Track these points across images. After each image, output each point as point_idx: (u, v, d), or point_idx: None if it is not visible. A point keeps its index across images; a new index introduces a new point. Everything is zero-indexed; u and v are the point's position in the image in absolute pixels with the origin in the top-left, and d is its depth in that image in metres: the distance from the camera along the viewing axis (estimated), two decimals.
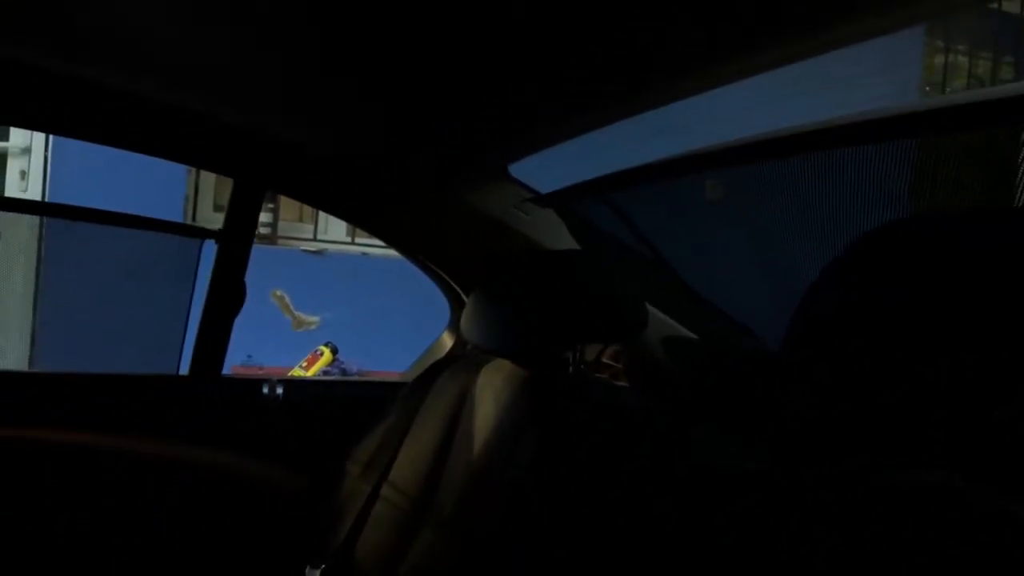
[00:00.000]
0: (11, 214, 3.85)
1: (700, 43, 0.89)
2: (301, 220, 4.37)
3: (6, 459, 1.45)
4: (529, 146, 1.47)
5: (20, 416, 1.47)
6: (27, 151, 3.89)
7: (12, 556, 1.45)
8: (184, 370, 1.62)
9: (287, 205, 4.15)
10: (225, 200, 4.46)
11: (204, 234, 1.59)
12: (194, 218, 4.10)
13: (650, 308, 1.20)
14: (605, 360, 1.52)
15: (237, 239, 1.56)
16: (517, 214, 1.57)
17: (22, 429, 1.47)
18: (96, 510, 1.50)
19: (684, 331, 1.57)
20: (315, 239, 4.38)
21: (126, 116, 1.37)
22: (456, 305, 1.78)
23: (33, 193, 3.88)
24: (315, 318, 4.01)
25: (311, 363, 3.26)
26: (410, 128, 1.36)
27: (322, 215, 4.36)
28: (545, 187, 1.62)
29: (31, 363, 3.83)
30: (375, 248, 4.39)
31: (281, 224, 4.22)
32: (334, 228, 4.41)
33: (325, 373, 3.22)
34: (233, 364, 1.65)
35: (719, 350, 1.43)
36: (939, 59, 4.46)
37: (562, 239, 1.58)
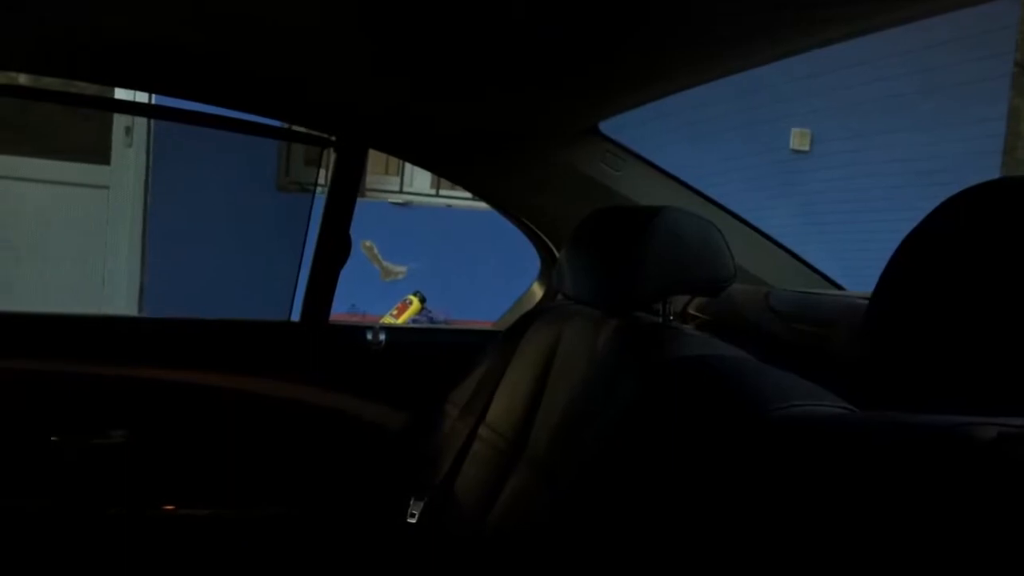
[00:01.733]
0: (119, 169, 4.07)
1: (775, 10, 0.93)
2: (387, 173, 4.49)
3: (131, 396, 1.61)
4: (619, 104, 1.51)
5: (137, 358, 1.62)
6: None
7: (139, 483, 1.61)
8: (295, 317, 1.75)
9: (374, 158, 4.25)
10: (315, 155, 4.60)
11: (321, 142, 1.65)
12: (288, 170, 4.26)
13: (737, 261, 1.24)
14: (691, 311, 1.58)
15: (342, 194, 1.66)
16: (608, 170, 1.62)
17: (143, 368, 1.62)
18: (215, 444, 1.65)
19: (770, 283, 1.61)
20: (401, 191, 4.49)
21: (233, 78, 1.46)
22: (546, 258, 1.85)
23: (138, 146, 4.07)
24: (402, 268, 4.14)
25: (401, 311, 3.39)
26: (504, 87, 1.42)
27: (408, 168, 4.46)
28: (635, 144, 1.67)
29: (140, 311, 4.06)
30: (459, 200, 4.49)
31: (368, 177, 4.34)
32: (419, 180, 4.51)
33: (414, 321, 3.36)
34: (338, 312, 1.76)
35: (809, 299, 1.46)
36: None
37: (650, 194, 1.63)
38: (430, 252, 4.14)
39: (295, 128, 1.69)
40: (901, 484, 0.59)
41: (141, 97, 3.99)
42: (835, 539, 0.60)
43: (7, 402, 1.53)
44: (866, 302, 0.68)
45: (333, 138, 1.67)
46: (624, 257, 1.18)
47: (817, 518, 0.63)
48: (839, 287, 1.69)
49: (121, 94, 4.05)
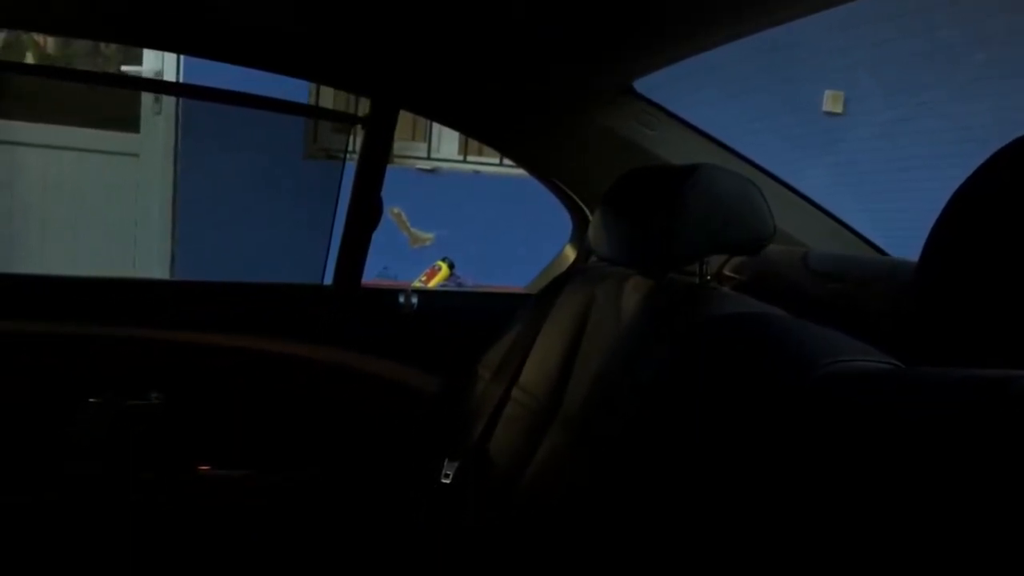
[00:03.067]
0: (148, 137, 4.10)
1: None
2: (414, 139, 4.47)
3: (166, 359, 1.62)
4: (654, 62, 1.49)
5: (172, 322, 1.63)
6: (159, 75, 4.06)
7: (174, 444, 1.63)
8: (328, 281, 1.75)
9: (401, 124, 4.25)
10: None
11: (348, 119, 1.65)
12: (315, 137, 4.26)
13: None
14: (727, 272, 1.56)
15: (374, 157, 1.65)
16: (642, 130, 1.60)
17: (179, 332, 1.63)
18: (249, 406, 1.67)
19: (808, 244, 1.58)
20: (428, 157, 4.48)
21: (265, 37, 1.45)
22: (579, 220, 1.83)
23: (167, 115, 4.09)
24: (430, 235, 4.14)
25: (430, 277, 3.40)
26: (537, 46, 1.40)
27: (435, 134, 4.44)
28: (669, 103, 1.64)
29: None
30: (487, 166, 4.47)
31: (396, 144, 4.33)
32: (447, 146, 4.49)
33: (443, 287, 3.36)
34: (370, 276, 1.76)
35: (848, 260, 1.44)
36: None
37: (686, 153, 1.61)
38: (458, 218, 4.13)
39: (321, 106, 1.69)
40: (955, 436, 0.58)
41: (169, 73, 4.02)
42: (890, 493, 0.59)
43: (46, 365, 1.55)
44: (906, 263, 0.67)
45: (359, 115, 1.66)
46: (661, 216, 1.16)
47: (870, 472, 0.62)
48: (880, 251, 1.66)
49: (148, 58, 4.08)
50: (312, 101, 4.18)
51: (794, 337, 0.86)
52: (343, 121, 1.70)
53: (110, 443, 1.58)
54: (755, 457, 0.76)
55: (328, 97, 4.19)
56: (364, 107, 1.65)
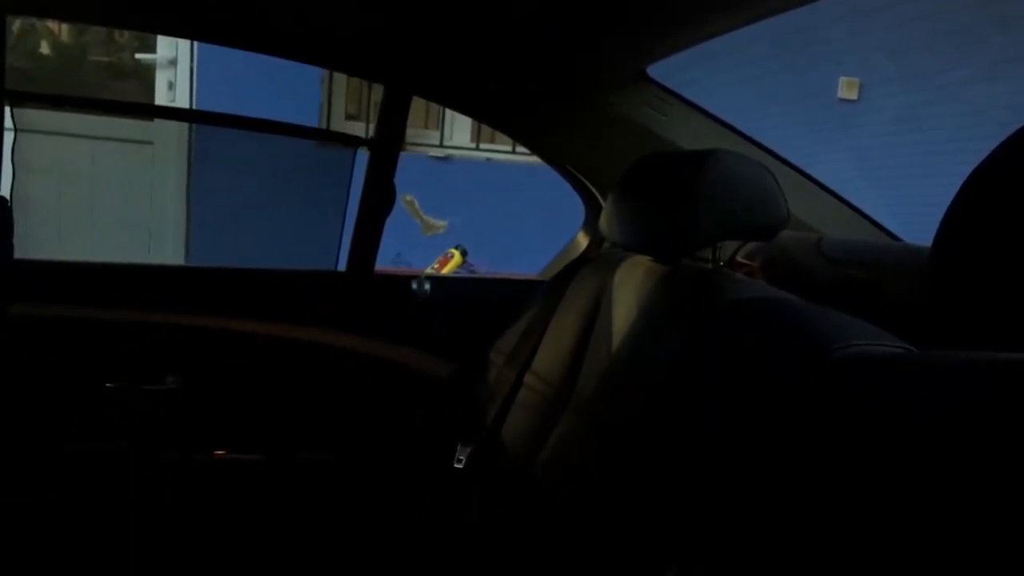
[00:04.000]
0: (163, 123, 4.11)
1: None
2: (427, 127, 4.47)
3: (183, 344, 1.64)
4: (667, 48, 1.48)
5: (188, 307, 1.65)
6: (173, 63, 4.08)
7: (190, 428, 1.65)
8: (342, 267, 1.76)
9: (413, 112, 4.26)
10: (355, 109, 4.58)
11: (358, 141, 1.69)
12: (328, 124, 4.26)
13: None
14: (740, 259, 1.55)
15: (387, 144, 1.65)
16: (655, 115, 1.59)
17: (195, 317, 1.64)
18: (265, 391, 1.68)
19: (822, 230, 1.58)
20: (441, 145, 4.48)
21: (280, 23, 1.46)
22: (591, 206, 1.83)
23: (181, 102, 4.10)
24: (443, 222, 4.14)
25: (442, 265, 3.39)
26: (550, 32, 1.40)
27: (448, 121, 4.44)
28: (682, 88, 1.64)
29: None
30: (499, 153, 4.46)
31: (408, 131, 4.33)
32: (459, 134, 4.49)
33: (456, 274, 3.36)
34: (383, 263, 1.77)
35: (862, 246, 1.43)
36: None
37: (699, 139, 1.60)
38: (471, 206, 4.13)
39: (330, 130, 1.71)
40: (968, 422, 0.58)
41: (183, 60, 4.03)
42: (902, 480, 0.60)
43: (65, 349, 1.57)
44: (920, 249, 0.66)
45: (367, 137, 1.68)
46: (675, 202, 1.16)
47: (882, 459, 0.62)
48: (894, 237, 1.66)
49: (163, 45, 4.09)
50: (325, 87, 4.21)
51: (807, 322, 0.86)
52: (351, 144, 1.71)
53: (126, 426, 1.60)
54: (766, 443, 0.76)
55: (341, 82, 4.22)
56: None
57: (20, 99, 1.52)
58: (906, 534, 0.57)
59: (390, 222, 1.71)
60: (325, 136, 1.72)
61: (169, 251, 4.12)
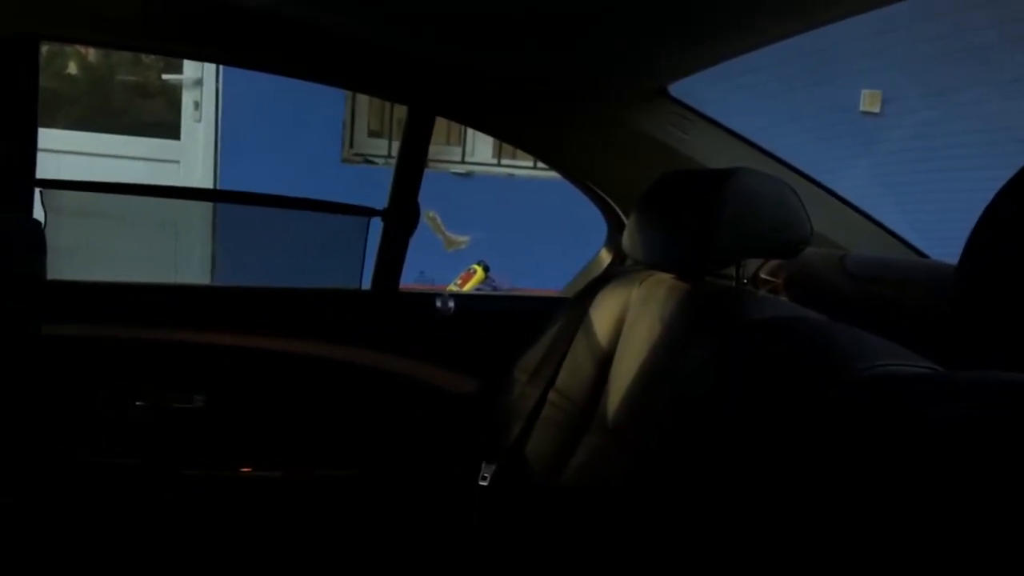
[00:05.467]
0: (189, 143, 4.16)
1: None
2: (448, 143, 4.50)
3: (209, 362, 1.66)
4: (688, 66, 1.49)
5: (214, 325, 1.67)
6: (199, 83, 4.14)
7: (217, 445, 1.67)
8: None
9: (435, 129, 4.29)
10: (378, 126, 4.62)
11: (370, 212, 1.73)
12: (352, 143, 4.30)
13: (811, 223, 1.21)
14: (764, 275, 1.55)
15: (411, 163, 1.67)
16: (676, 133, 1.60)
17: (221, 335, 1.67)
18: (290, 408, 1.70)
19: (846, 246, 1.57)
20: (463, 161, 4.50)
21: (304, 46, 1.49)
22: (613, 223, 1.84)
23: (207, 122, 4.15)
24: (465, 238, 4.16)
25: (465, 281, 3.42)
26: (573, 50, 1.41)
27: (469, 138, 4.47)
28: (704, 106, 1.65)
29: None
30: (521, 169, 4.48)
31: (430, 148, 4.36)
32: (481, 150, 4.51)
33: (478, 291, 3.38)
34: (407, 280, 1.78)
35: (886, 262, 1.43)
36: None
37: (720, 157, 1.61)
38: (493, 222, 4.15)
39: (342, 203, 1.76)
40: (993, 442, 0.58)
41: (209, 81, 4.08)
42: (927, 498, 0.60)
43: (95, 368, 1.60)
44: (945, 266, 0.67)
45: (379, 210, 1.72)
46: (698, 220, 1.17)
47: (907, 478, 0.62)
48: (920, 253, 1.65)
49: (189, 67, 4.15)
50: (348, 105, 4.25)
51: (832, 341, 0.86)
52: (363, 215, 1.75)
53: (156, 444, 1.62)
54: (793, 461, 0.76)
55: (364, 100, 4.25)
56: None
57: (50, 186, 1.56)
58: (930, 548, 0.57)
59: (412, 239, 1.72)
60: (341, 209, 1.75)
61: (196, 268, 4.16)
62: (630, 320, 1.39)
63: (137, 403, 1.60)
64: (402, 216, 1.69)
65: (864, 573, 0.62)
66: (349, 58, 1.51)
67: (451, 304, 1.74)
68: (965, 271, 0.67)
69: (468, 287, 3.37)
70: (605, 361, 1.41)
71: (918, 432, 0.64)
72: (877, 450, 0.66)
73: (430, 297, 1.75)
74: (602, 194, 1.75)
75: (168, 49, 1.71)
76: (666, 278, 1.34)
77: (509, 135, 1.77)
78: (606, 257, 1.87)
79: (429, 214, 4.29)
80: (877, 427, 0.67)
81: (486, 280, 3.42)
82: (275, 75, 1.61)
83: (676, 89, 1.59)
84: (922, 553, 0.58)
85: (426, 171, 1.73)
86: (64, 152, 3.89)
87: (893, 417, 0.66)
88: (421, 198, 1.71)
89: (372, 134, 4.37)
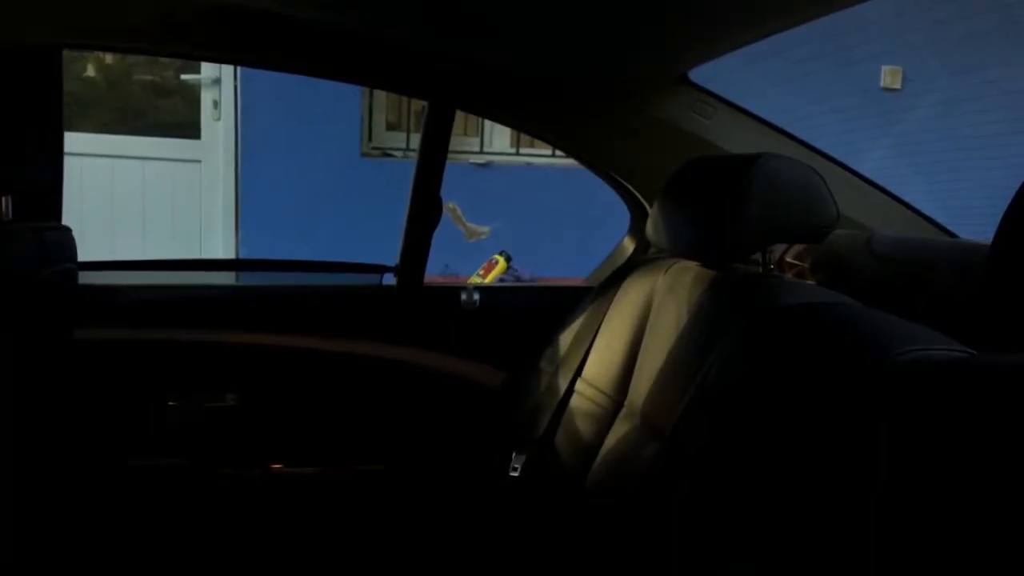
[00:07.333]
0: (209, 142, 4.19)
1: None
2: (466, 134, 4.49)
3: (241, 361, 1.68)
4: (708, 51, 1.48)
5: (242, 323, 1.69)
6: (217, 81, 4.16)
7: (250, 443, 1.69)
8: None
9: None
10: (395, 118, 4.61)
11: (381, 269, 1.78)
12: (370, 136, 4.31)
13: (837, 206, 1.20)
14: (789, 260, 1.54)
15: (432, 158, 1.68)
16: (698, 119, 1.59)
17: (252, 334, 1.68)
18: (321, 405, 1.72)
19: (872, 227, 1.56)
20: (482, 151, 4.50)
21: (322, 46, 1.49)
22: (637, 211, 1.83)
23: (226, 120, 4.18)
24: (486, 228, 4.16)
25: (487, 271, 3.42)
26: (591, 39, 1.41)
27: (487, 128, 4.46)
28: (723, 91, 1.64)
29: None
30: (540, 158, 4.47)
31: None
32: (499, 140, 4.51)
33: (501, 280, 3.38)
34: (431, 274, 1.79)
35: (912, 243, 1.42)
36: None
37: (743, 141, 1.60)
38: (513, 211, 4.14)
39: (352, 262, 1.81)
40: None
41: (227, 80, 4.10)
42: (964, 482, 0.59)
43: (128, 370, 1.62)
44: (972, 245, 0.66)
45: (389, 266, 1.76)
46: (722, 207, 1.16)
47: (943, 462, 0.62)
48: (948, 232, 1.63)
49: (206, 66, 4.17)
50: (366, 98, 4.25)
51: (865, 326, 0.86)
52: (376, 272, 1.77)
53: (190, 443, 1.64)
54: (828, 448, 0.76)
55: (381, 93, 4.25)
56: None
57: (87, 268, 1.60)
58: (968, 531, 0.57)
59: (437, 233, 1.73)
60: (355, 268, 1.79)
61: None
62: (656, 308, 1.39)
63: (170, 403, 1.62)
64: (425, 211, 1.69)
65: (896, 561, 0.62)
66: (367, 56, 1.51)
67: (476, 297, 1.75)
68: (998, 253, 0.66)
69: (490, 278, 3.37)
70: (632, 350, 1.41)
71: (952, 418, 0.63)
72: (910, 436, 0.66)
73: (455, 291, 1.76)
74: (624, 183, 1.75)
75: (187, 53, 1.72)
76: (692, 266, 1.33)
77: (529, 127, 1.76)
78: (629, 245, 1.87)
79: (449, 205, 4.28)
80: (910, 413, 0.67)
81: (508, 270, 3.42)
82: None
83: (696, 75, 1.58)
84: (967, 538, 0.58)
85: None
86: (88, 155, 3.95)
87: (930, 402, 0.66)
88: (441, 190, 1.71)
89: (390, 127, 4.37)
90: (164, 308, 1.67)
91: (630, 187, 1.75)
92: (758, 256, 1.26)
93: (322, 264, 1.87)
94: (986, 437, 0.60)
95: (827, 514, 0.72)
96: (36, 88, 1.45)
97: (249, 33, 1.44)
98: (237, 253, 4.18)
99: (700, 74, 1.57)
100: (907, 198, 1.68)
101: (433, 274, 1.80)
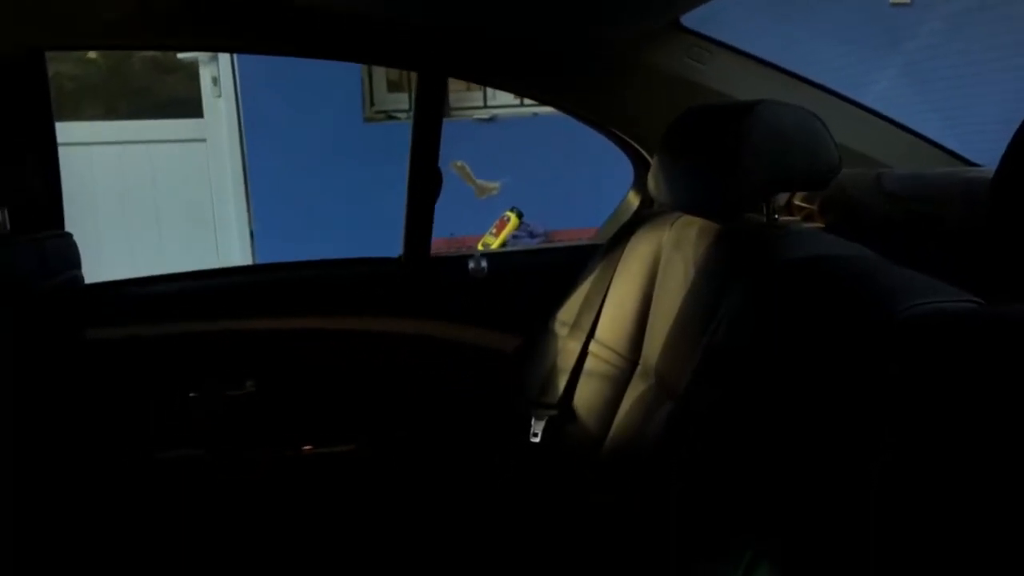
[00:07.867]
0: (213, 120, 4.17)
1: None
2: (468, 90, 4.43)
3: (255, 348, 1.69)
4: None
5: (252, 308, 1.69)
6: (215, 58, 4.13)
7: (275, 426, 1.71)
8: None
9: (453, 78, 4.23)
10: (396, 76, 4.53)
11: (386, 262, 1.76)
12: (371, 96, 4.26)
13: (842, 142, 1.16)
14: (797, 202, 1.51)
15: (427, 128, 1.65)
16: (694, 64, 1.55)
17: (262, 320, 1.69)
18: (339, 384, 1.73)
19: (883, 162, 1.52)
20: (485, 106, 4.44)
21: (307, 26, 1.47)
22: (639, 165, 1.80)
23: (226, 96, 4.15)
24: (496, 184, 4.12)
25: (500, 229, 3.39)
26: None
27: None
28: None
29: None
30: (545, 108, 4.40)
31: (450, 96, 4.29)
32: (502, 94, 4.44)
33: (514, 237, 3.35)
34: (437, 239, 1.77)
35: (923, 179, 1.38)
36: None
37: (742, 84, 1.56)
38: (521, 164, 4.10)
39: (363, 258, 1.78)
40: None
41: (224, 63, 4.06)
42: (974, 436, 0.58)
43: (145, 366, 1.63)
44: (982, 176, 0.64)
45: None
46: (721, 159, 1.13)
47: (954, 415, 0.60)
48: (964, 160, 1.58)
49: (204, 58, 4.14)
50: (364, 79, 4.19)
51: (873, 279, 0.83)
52: (380, 266, 1.75)
53: (214, 432, 1.66)
54: (836, 404, 0.75)
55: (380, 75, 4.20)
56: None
57: (98, 290, 1.59)
58: (981, 488, 0.56)
59: (444, 192, 1.71)
60: (361, 264, 1.76)
61: (235, 243, 4.22)
62: (663, 264, 1.37)
63: (191, 395, 1.64)
64: (425, 182, 1.67)
65: (906, 517, 0.61)
66: (353, 32, 1.49)
67: (484, 264, 1.73)
68: (1001, 188, 0.64)
69: (503, 235, 3.34)
70: (642, 308, 1.40)
71: (962, 370, 0.62)
72: (920, 391, 0.64)
73: (462, 260, 1.75)
74: (625, 137, 1.71)
75: (173, 44, 1.70)
76: (696, 220, 1.31)
77: (523, 88, 1.73)
78: (634, 200, 1.84)
79: (457, 163, 4.24)
80: (920, 367, 0.65)
81: (521, 226, 3.39)
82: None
83: (689, 19, 1.53)
84: (976, 495, 0.57)
85: (449, 121, 1.71)
86: (93, 144, 3.95)
87: (938, 356, 0.64)
88: (446, 149, 1.68)
89: (392, 87, 4.31)
90: (172, 300, 1.67)
91: (631, 141, 1.71)
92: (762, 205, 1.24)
93: (332, 262, 1.82)
94: (991, 390, 0.58)
95: (840, 471, 0.72)
96: (22, 94, 1.44)
97: (230, 18, 1.42)
98: (251, 229, 4.19)
99: (693, 18, 1.53)
100: (918, 119, 1.63)
101: (439, 241, 1.78)
